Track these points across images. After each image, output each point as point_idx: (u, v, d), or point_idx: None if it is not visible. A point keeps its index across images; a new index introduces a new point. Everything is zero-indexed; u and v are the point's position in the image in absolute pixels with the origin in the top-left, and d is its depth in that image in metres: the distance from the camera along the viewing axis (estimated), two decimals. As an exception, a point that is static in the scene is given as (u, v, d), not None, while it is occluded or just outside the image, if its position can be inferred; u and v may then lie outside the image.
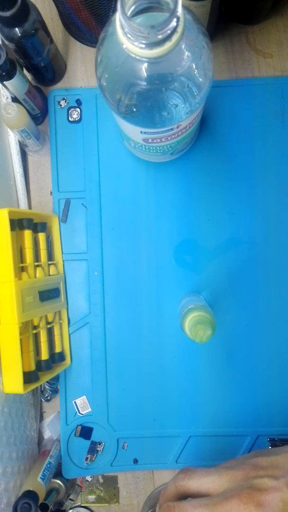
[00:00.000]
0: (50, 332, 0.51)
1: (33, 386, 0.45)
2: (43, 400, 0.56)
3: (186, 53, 0.31)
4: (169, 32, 0.27)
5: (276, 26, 0.54)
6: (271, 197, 0.53)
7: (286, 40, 0.54)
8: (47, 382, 0.53)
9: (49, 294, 0.49)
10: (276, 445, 0.53)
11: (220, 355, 0.53)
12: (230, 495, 0.28)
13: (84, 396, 0.54)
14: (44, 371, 0.49)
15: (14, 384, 0.42)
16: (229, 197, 0.53)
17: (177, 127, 0.37)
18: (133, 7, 0.30)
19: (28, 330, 0.46)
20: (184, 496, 0.32)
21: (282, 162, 0.53)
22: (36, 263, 0.48)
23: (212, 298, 0.53)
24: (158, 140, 0.39)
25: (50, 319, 0.50)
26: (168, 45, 0.27)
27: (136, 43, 0.27)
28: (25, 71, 0.50)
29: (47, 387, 0.54)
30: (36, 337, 0.49)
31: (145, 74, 0.31)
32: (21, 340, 0.43)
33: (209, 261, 0.53)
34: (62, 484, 0.53)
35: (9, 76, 0.44)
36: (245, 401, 0.53)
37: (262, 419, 0.53)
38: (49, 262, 0.52)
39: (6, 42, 0.43)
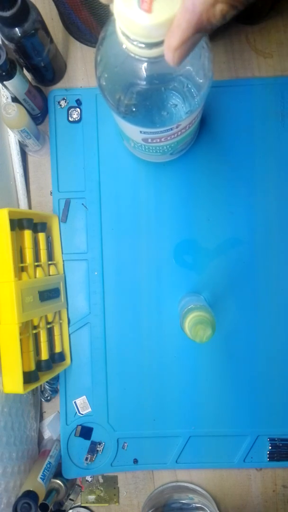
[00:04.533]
0: (50, 332, 0.51)
1: (33, 386, 0.45)
2: (43, 400, 0.56)
3: None
4: None
5: (276, 26, 0.54)
6: (271, 197, 0.53)
7: (286, 40, 0.54)
8: (47, 382, 0.53)
9: (49, 294, 0.49)
10: (276, 445, 0.53)
11: (220, 355, 0.53)
12: None
13: (84, 396, 0.54)
14: (44, 371, 0.49)
15: (14, 384, 0.42)
16: (229, 197, 0.53)
17: (177, 127, 0.37)
18: None
19: (28, 330, 0.46)
20: None
21: (282, 162, 0.53)
22: (36, 263, 0.48)
23: (212, 298, 0.53)
24: (158, 140, 0.39)
25: (50, 319, 0.50)
26: None
27: (135, 43, 0.27)
28: (25, 71, 0.50)
29: (47, 387, 0.54)
30: (36, 337, 0.49)
31: (144, 73, 0.30)
32: (21, 340, 0.43)
33: (209, 261, 0.53)
34: (62, 484, 0.53)
35: (9, 76, 0.44)
36: (245, 401, 0.53)
37: (262, 419, 0.53)
38: (49, 262, 0.52)
39: (6, 42, 0.43)
